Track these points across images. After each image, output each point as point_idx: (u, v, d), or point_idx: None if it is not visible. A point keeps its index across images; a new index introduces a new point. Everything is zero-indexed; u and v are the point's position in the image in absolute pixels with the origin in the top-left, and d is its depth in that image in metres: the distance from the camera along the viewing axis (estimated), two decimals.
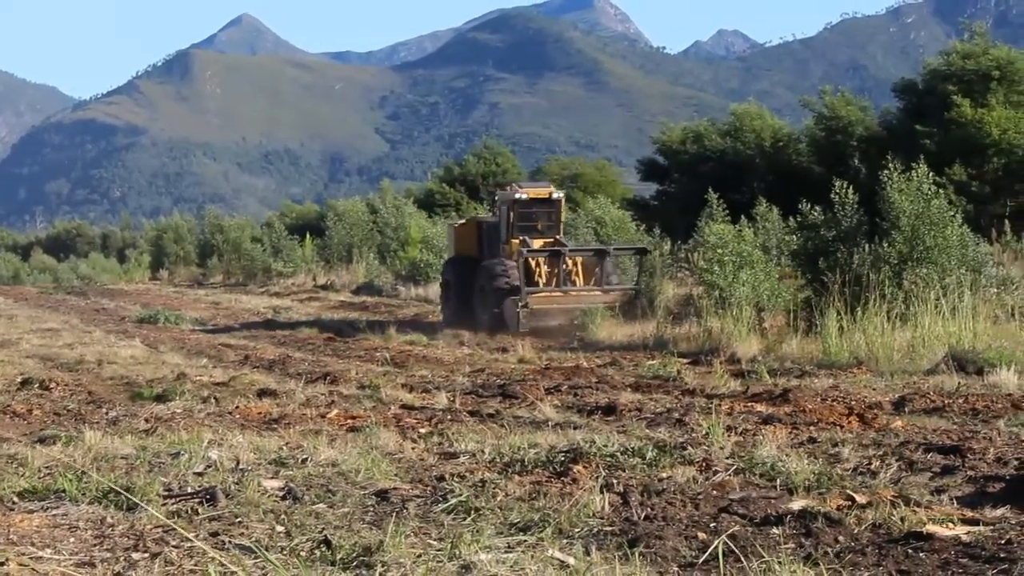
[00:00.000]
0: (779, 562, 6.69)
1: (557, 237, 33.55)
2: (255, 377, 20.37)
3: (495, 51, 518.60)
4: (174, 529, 7.38)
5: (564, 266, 31.81)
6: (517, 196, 33.29)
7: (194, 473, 9.72)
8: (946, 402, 14.84)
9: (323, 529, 7.76)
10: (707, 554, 7.20)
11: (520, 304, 30.50)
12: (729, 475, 9.75)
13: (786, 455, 10.44)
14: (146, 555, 7.09)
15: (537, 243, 32.64)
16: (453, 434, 12.34)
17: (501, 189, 36.67)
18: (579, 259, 32.94)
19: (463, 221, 37.74)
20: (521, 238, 32.65)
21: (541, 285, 31.95)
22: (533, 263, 32.26)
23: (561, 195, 34.55)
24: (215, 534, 7.65)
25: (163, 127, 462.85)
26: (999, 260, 30.75)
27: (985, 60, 46.84)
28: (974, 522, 8.05)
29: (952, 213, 25.54)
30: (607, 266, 32.61)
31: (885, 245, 24.90)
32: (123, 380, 20.42)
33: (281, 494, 8.89)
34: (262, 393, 17.60)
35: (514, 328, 30.15)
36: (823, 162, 50.81)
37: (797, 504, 8.60)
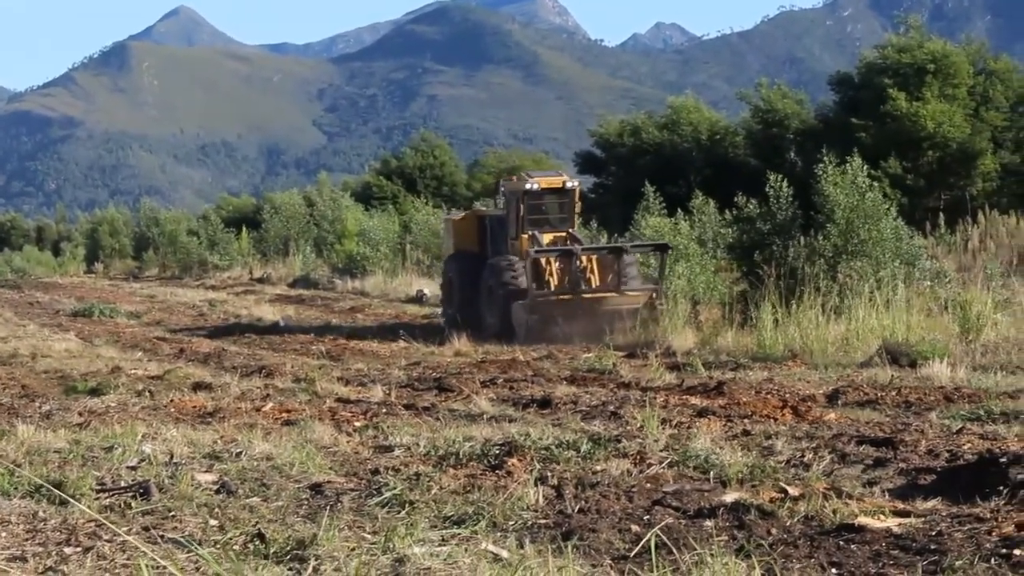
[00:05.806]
0: (711, 554, 6.71)
1: (571, 231, 30.72)
2: (190, 371, 20.31)
3: (434, 43, 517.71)
4: (106, 524, 7.35)
5: (578, 265, 29.07)
6: (528, 186, 30.11)
7: (128, 467, 9.66)
8: (879, 395, 14.95)
9: (257, 523, 7.74)
10: (640, 546, 7.22)
11: (528, 308, 27.71)
12: (663, 468, 9.79)
13: (720, 448, 10.50)
14: (78, 549, 7.05)
15: (548, 237, 29.96)
16: (388, 427, 12.34)
17: (508, 179, 33.72)
18: (594, 257, 30.14)
19: (463, 215, 34.67)
20: (531, 232, 29.63)
21: (553, 286, 29.24)
22: (544, 262, 29.39)
23: (575, 184, 31.56)
24: (148, 528, 7.61)
25: (99, 119, 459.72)
26: (933, 253, 30.94)
27: (920, 54, 47.12)
28: (905, 514, 8.11)
29: (887, 206, 25.75)
30: (626, 265, 29.32)
31: (820, 238, 25.07)
32: (57, 374, 20.32)
33: (215, 488, 8.85)
34: (197, 387, 17.57)
35: (522, 336, 27.29)
36: (759, 155, 50.94)
37: (730, 496, 8.64)
